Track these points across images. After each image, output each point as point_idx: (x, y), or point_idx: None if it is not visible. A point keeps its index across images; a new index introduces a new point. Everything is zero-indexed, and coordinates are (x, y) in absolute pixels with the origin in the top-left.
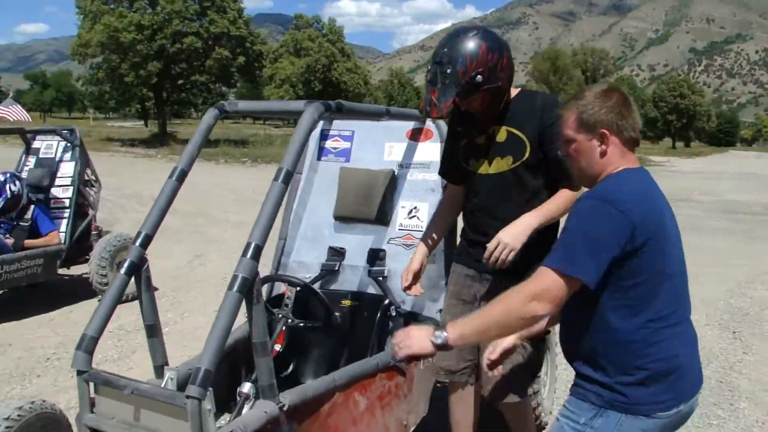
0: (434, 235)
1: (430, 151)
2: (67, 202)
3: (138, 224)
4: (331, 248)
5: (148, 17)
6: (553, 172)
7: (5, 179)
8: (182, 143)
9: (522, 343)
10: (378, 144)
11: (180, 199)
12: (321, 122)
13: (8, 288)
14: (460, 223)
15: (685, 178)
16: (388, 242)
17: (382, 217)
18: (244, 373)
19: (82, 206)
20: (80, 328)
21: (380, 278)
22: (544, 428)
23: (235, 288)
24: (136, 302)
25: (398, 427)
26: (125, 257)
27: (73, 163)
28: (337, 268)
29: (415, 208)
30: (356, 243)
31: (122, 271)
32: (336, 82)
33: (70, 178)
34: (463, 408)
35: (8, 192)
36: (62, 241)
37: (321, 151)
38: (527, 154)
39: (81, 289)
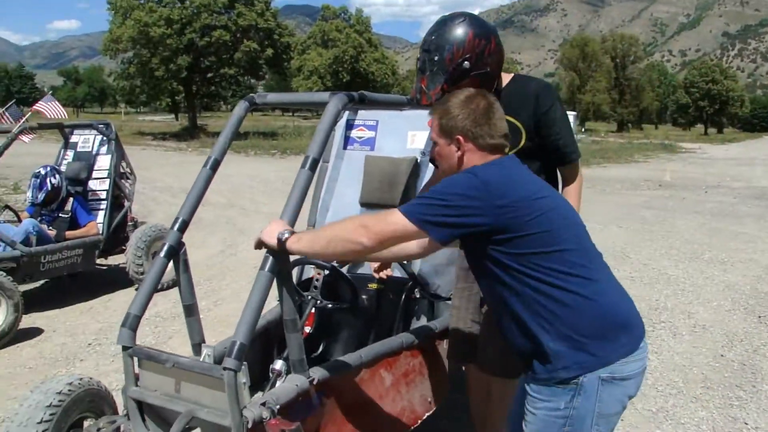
0: None
1: None
2: (103, 194)
3: (171, 216)
4: None
5: (177, 11)
6: (550, 158)
7: (46, 173)
8: (212, 136)
9: None
10: (401, 133)
11: (212, 190)
12: (347, 113)
13: (50, 278)
14: None
15: (716, 165)
16: None
17: (406, 202)
18: (276, 354)
19: (118, 198)
20: (119, 315)
21: (404, 262)
22: None
23: (267, 268)
24: (172, 290)
25: (422, 404)
26: (160, 246)
27: (109, 156)
28: None
29: None
30: None
31: (161, 254)
32: (364, 73)
33: (107, 171)
34: (479, 394)
35: (48, 185)
36: (100, 232)
37: (347, 140)
38: (523, 142)
39: (118, 279)
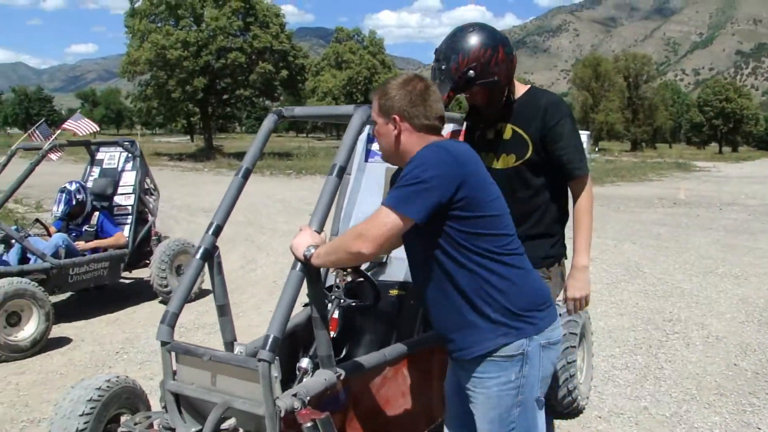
0: None
1: None
2: (129, 209)
3: (190, 233)
4: None
5: (193, 34)
6: (557, 172)
7: (72, 188)
8: (228, 157)
9: None
10: None
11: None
12: (368, 126)
13: (78, 290)
14: None
15: (731, 183)
16: None
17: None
18: (302, 354)
19: (142, 213)
20: (144, 326)
21: None
22: (582, 411)
23: (298, 267)
24: (194, 303)
25: (443, 403)
26: (183, 261)
27: (134, 173)
28: (385, 260)
29: None
30: None
31: (197, 256)
32: None
33: (132, 187)
34: None
35: (74, 200)
36: (128, 241)
37: (368, 153)
38: (529, 154)
39: (143, 292)
